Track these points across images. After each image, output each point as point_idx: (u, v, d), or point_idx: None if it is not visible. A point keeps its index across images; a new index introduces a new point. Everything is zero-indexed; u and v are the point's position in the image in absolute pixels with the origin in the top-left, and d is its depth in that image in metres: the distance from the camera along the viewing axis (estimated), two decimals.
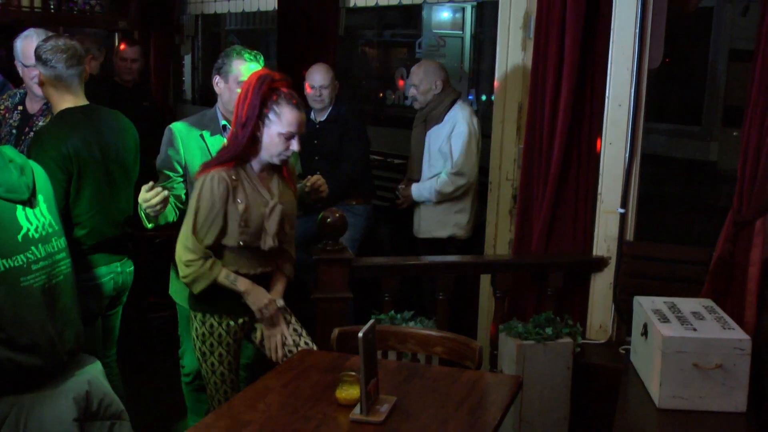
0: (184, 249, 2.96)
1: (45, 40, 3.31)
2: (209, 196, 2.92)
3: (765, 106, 3.26)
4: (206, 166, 3.00)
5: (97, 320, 3.43)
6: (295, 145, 2.98)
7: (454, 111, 4.74)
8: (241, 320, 3.10)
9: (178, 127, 3.39)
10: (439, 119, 4.74)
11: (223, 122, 3.43)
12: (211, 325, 3.06)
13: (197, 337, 3.09)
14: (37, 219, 2.81)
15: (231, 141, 3.01)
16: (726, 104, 12.08)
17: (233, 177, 2.95)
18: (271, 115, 2.93)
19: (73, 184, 3.24)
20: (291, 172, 3.20)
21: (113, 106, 3.65)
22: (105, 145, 3.35)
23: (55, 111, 3.33)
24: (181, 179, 3.38)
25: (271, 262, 3.14)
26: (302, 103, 3.04)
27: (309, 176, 3.46)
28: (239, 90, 3.11)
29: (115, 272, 3.43)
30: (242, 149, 2.97)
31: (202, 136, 3.39)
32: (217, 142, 3.35)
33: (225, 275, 2.99)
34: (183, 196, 3.36)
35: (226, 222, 2.96)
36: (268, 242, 3.00)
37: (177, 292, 3.52)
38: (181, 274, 3.00)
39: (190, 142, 3.37)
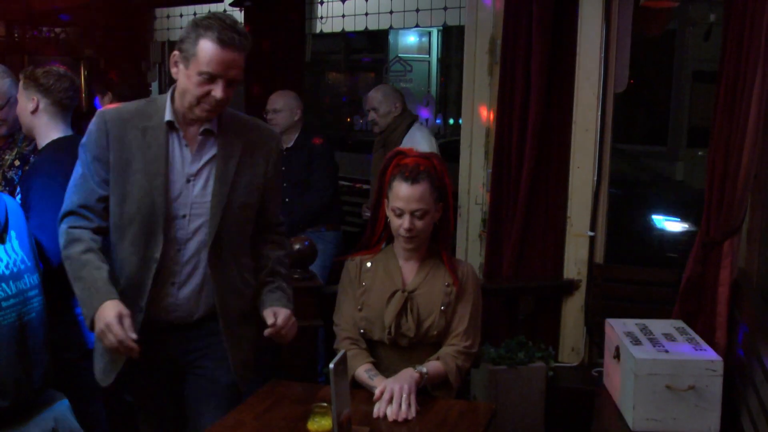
0: None
1: (34, 70, 3.10)
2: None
3: (729, 127, 3.28)
4: None
5: None
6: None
7: (411, 133, 4.74)
8: None
9: None
10: (398, 142, 4.72)
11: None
12: None
13: None
14: (8, 255, 2.72)
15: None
16: (690, 125, 12.24)
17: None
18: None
19: None
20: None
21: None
22: None
23: (44, 141, 3.08)
24: None
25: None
26: None
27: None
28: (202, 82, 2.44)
29: None
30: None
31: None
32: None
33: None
34: None
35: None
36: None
37: None
38: None
39: None
